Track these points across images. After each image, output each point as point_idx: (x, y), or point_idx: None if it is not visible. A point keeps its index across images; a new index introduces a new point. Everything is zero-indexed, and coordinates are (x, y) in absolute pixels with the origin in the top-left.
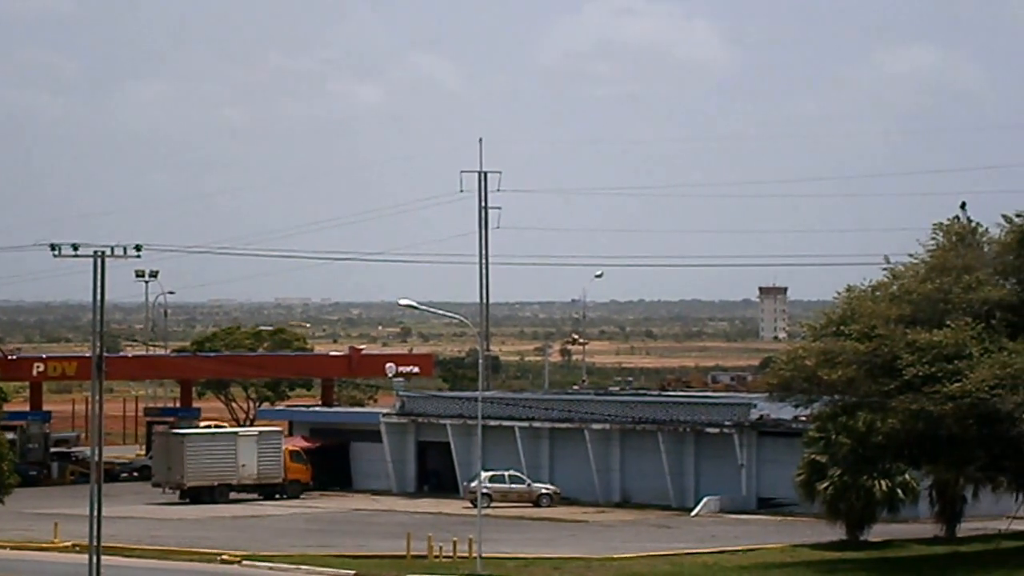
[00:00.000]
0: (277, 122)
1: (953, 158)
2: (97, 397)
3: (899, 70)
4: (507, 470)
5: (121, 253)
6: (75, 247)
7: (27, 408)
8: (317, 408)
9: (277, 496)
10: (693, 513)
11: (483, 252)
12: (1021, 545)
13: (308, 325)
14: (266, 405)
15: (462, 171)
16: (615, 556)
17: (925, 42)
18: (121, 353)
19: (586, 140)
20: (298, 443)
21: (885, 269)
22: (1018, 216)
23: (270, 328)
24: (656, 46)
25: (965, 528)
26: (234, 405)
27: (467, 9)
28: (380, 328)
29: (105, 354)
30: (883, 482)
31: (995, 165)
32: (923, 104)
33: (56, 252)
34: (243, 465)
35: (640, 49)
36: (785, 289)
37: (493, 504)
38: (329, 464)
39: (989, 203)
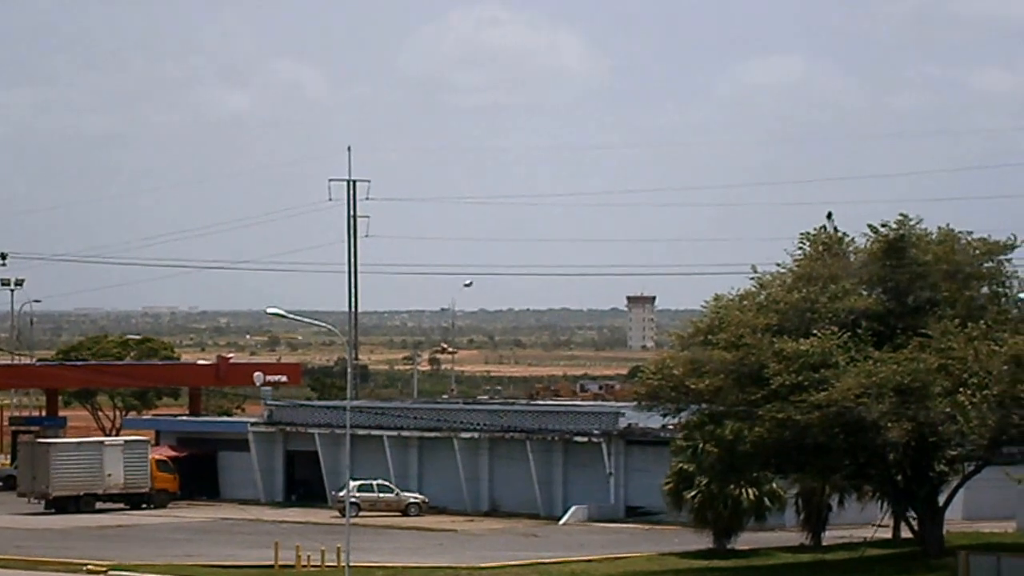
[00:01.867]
0: (144, 129)
1: (818, 168)
2: None
3: (762, 80)
4: (375, 479)
5: None
6: None
7: None
8: (184, 417)
9: (144, 506)
10: (561, 522)
11: (352, 260)
12: (885, 553)
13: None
14: (133, 414)
15: (331, 179)
16: (483, 565)
17: (788, 52)
18: None
19: (454, 148)
20: (165, 452)
21: (752, 278)
22: (883, 226)
23: (137, 337)
24: (521, 55)
25: (831, 536)
26: (101, 414)
27: (333, 16)
28: (248, 337)
29: None
30: (750, 490)
31: (860, 175)
32: (787, 114)
33: None
34: (109, 475)
35: (505, 58)
36: (653, 298)
37: (361, 513)
38: (196, 473)
39: (855, 213)
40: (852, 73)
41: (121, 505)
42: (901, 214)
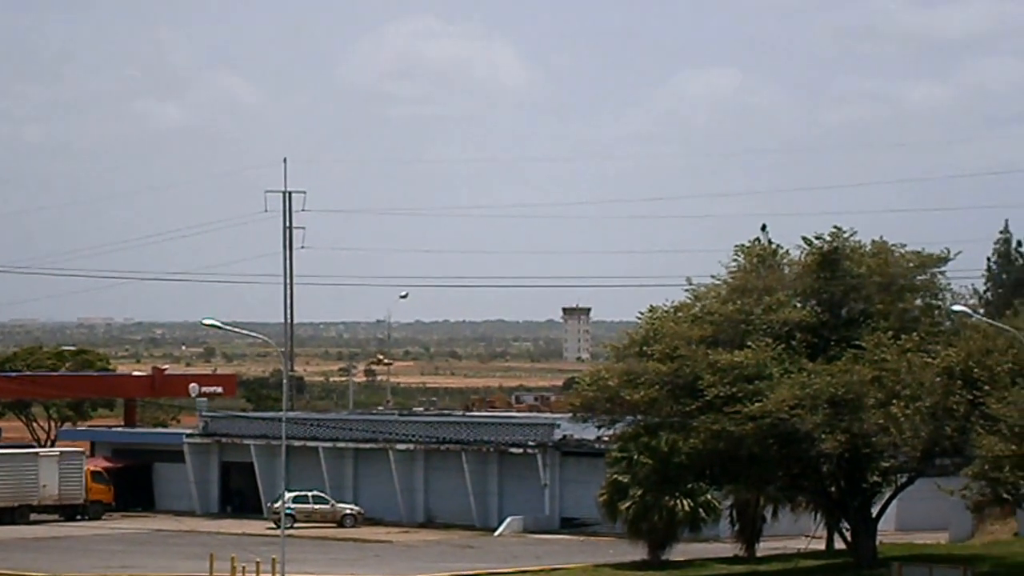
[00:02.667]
0: (79, 140)
1: (753, 181)
2: None
3: (698, 93)
4: (311, 490)
5: None
6: None
7: None
8: (120, 429)
9: (79, 517)
10: (497, 533)
11: (287, 272)
12: (819, 564)
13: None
14: (68, 426)
15: (267, 191)
16: None
17: (724, 65)
18: None
19: (390, 160)
20: (100, 464)
21: (687, 290)
22: (818, 238)
23: (72, 348)
24: (456, 67)
25: (765, 547)
26: (35, 425)
27: (269, 28)
28: (184, 348)
29: None
30: (685, 502)
31: (794, 188)
32: (722, 127)
33: None
34: (44, 486)
35: (440, 70)
36: (588, 310)
37: (297, 524)
38: (132, 485)
39: (789, 225)
40: (786, 87)
41: (55, 516)
42: (835, 227)
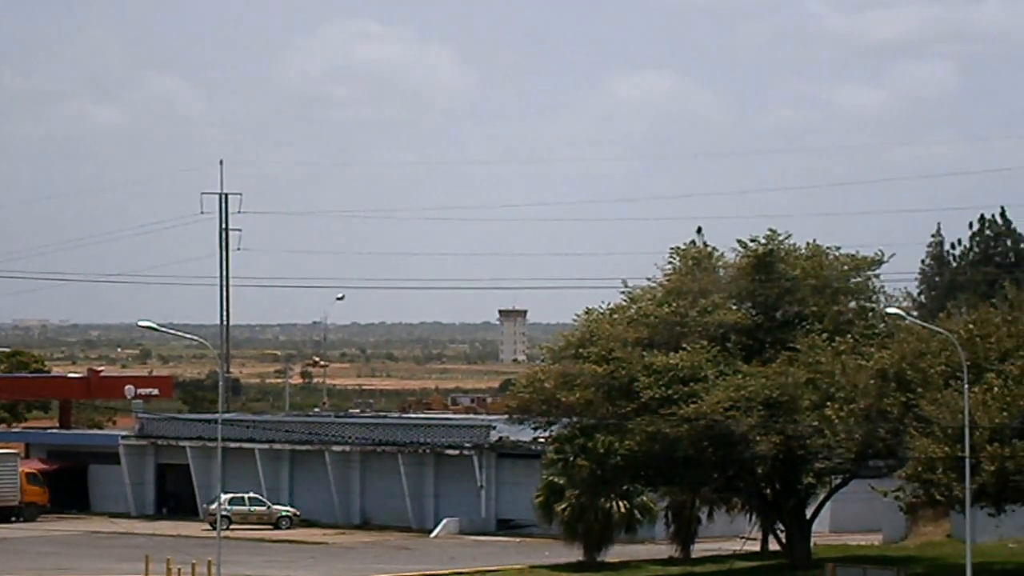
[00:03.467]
0: (14, 142)
1: (688, 183)
2: None
3: (632, 96)
4: (247, 492)
5: None
6: None
7: None
8: (55, 430)
9: (13, 519)
10: (433, 534)
11: (224, 274)
12: (753, 565)
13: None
14: (2, 427)
15: (203, 192)
16: None
17: (657, 69)
18: None
19: (326, 162)
20: (35, 465)
21: (623, 292)
22: (752, 241)
23: (7, 350)
24: (392, 69)
25: (700, 549)
26: None
27: (203, 30)
28: (119, 350)
29: None
30: (620, 503)
31: (729, 191)
32: (656, 130)
33: None
34: None
35: (376, 72)
36: (525, 312)
37: (233, 526)
38: (67, 486)
39: (724, 228)
40: (719, 90)
41: None
42: (770, 229)
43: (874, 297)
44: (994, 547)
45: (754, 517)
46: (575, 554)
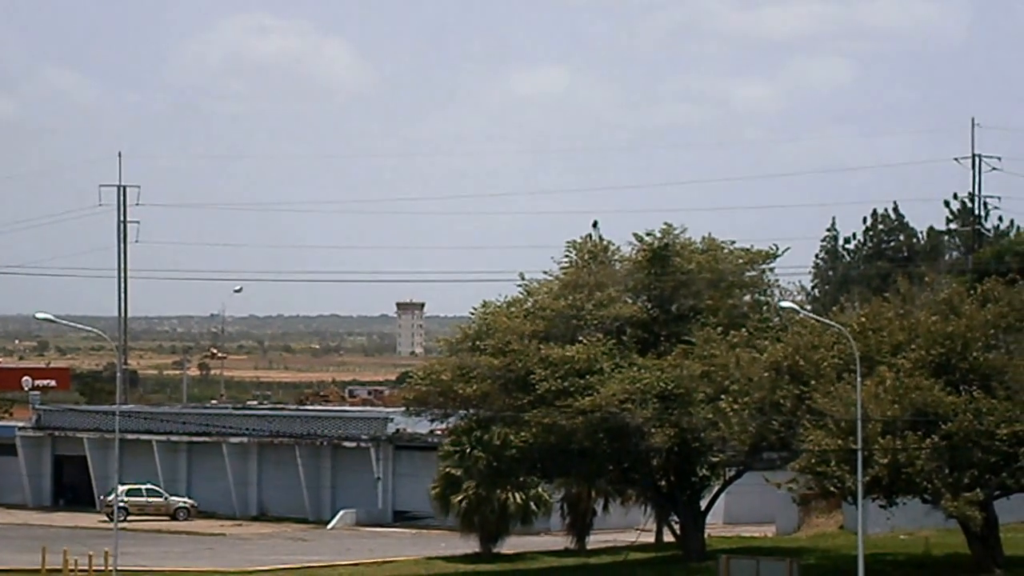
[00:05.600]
0: None
1: (584, 178)
2: None
3: (528, 91)
4: (145, 484)
5: None
6: None
7: None
8: None
9: None
10: (329, 526)
11: (122, 266)
12: (648, 557)
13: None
14: None
15: (101, 185)
16: (251, 569)
17: (553, 64)
18: None
19: (224, 156)
20: None
21: (520, 286)
22: (648, 235)
23: None
24: (289, 63)
25: (595, 540)
26: None
27: (99, 23)
28: (17, 342)
29: None
30: (517, 495)
31: (624, 185)
32: (553, 124)
33: None
34: None
35: (272, 66)
36: (422, 304)
37: (130, 518)
38: None
39: (620, 222)
40: (614, 85)
41: None
42: (666, 223)
43: (768, 291)
44: (886, 539)
45: (649, 509)
46: (471, 545)
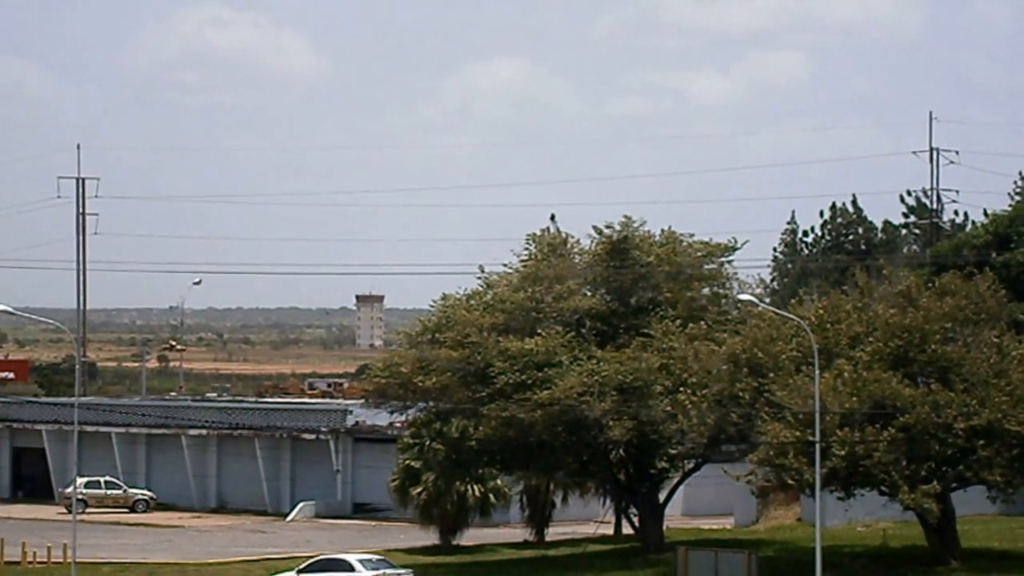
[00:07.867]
0: None
1: (542, 171)
2: None
3: (486, 83)
4: (103, 476)
5: None
6: None
7: None
8: None
9: None
10: (289, 518)
11: (80, 258)
12: (607, 549)
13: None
14: None
15: (60, 177)
16: (211, 561)
17: (510, 56)
18: None
19: (182, 148)
20: None
21: (480, 278)
22: (607, 228)
23: None
24: (245, 55)
25: (554, 532)
26: None
27: (54, 13)
28: None
29: None
30: (476, 487)
31: (583, 179)
32: (511, 117)
33: None
34: None
35: (228, 58)
36: (382, 297)
37: (89, 510)
38: None
39: (579, 215)
40: (572, 78)
41: None
42: (625, 216)
43: (727, 283)
44: (843, 530)
45: (608, 501)
46: (431, 537)
